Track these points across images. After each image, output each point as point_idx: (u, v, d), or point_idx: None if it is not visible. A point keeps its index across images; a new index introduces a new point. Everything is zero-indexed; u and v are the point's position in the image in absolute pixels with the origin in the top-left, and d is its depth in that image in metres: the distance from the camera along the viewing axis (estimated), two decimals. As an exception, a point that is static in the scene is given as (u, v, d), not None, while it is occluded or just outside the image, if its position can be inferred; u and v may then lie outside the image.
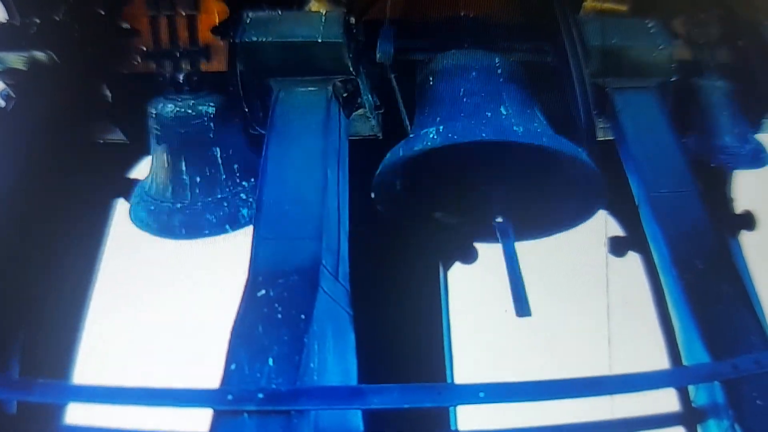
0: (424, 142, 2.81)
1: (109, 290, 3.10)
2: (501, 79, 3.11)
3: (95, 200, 3.36)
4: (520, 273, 2.66)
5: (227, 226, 2.99)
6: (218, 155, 3.13)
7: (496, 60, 3.15)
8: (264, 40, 3.04)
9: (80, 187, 3.21)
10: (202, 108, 3.14)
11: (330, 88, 3.00)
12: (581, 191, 2.97)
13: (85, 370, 2.97)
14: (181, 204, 3.06)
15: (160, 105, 3.16)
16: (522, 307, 2.57)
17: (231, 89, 3.09)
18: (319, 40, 3.02)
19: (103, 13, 3.35)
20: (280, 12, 3.11)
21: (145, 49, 3.35)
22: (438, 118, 2.96)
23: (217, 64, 3.29)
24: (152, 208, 3.20)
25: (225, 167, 3.13)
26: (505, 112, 2.96)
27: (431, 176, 3.02)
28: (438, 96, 3.10)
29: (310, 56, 3.02)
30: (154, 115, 3.16)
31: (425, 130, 2.89)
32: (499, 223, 2.85)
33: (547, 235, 3.06)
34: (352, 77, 3.05)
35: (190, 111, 3.13)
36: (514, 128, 2.86)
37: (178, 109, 3.13)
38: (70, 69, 3.23)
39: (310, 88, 2.99)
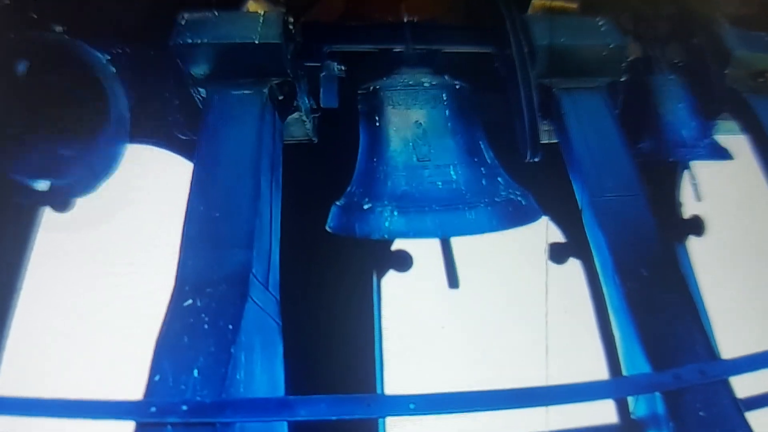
0: (380, 231, 2.88)
1: (27, 297, 3.15)
2: (447, 113, 3.16)
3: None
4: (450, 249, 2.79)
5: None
6: None
7: (443, 94, 3.17)
8: (199, 42, 3.04)
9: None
10: None
11: (266, 90, 3.00)
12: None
13: (1, 382, 3.01)
14: None
15: None
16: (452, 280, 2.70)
17: (165, 94, 3.18)
18: (257, 42, 3.03)
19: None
20: (216, 13, 3.11)
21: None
22: (389, 183, 3.00)
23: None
24: None
25: None
26: (454, 176, 3.01)
27: None
28: (385, 144, 3.14)
29: (247, 58, 3.03)
30: None
31: (380, 209, 2.92)
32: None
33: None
34: (289, 79, 3.06)
35: None
36: (467, 215, 2.91)
37: None
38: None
39: (245, 91, 2.99)
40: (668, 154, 3.58)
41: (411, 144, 3.06)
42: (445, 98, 3.16)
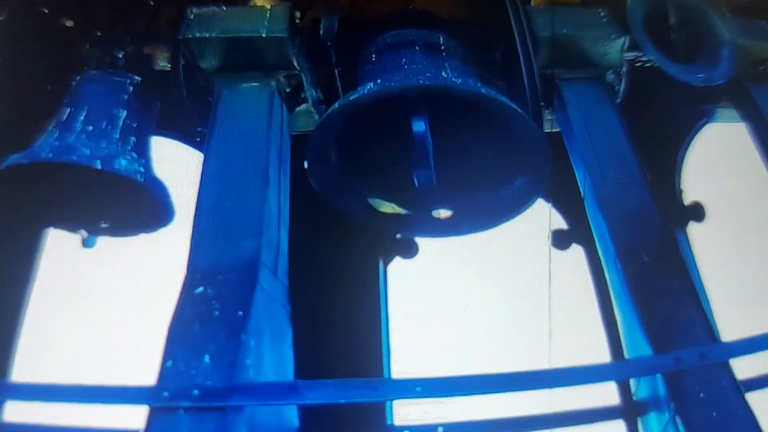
0: (361, 92, 2.75)
1: (45, 286, 3.19)
2: (444, 53, 3.13)
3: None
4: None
5: (98, 161, 2.93)
6: (122, 117, 3.15)
7: (440, 38, 3.17)
8: (207, 35, 3.09)
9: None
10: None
11: (273, 83, 3.07)
12: (526, 161, 2.89)
13: (21, 369, 3.02)
14: (61, 135, 3.02)
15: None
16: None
17: (174, 86, 3.19)
18: (264, 35, 3.09)
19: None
20: (224, 8, 3.17)
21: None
22: (378, 80, 2.90)
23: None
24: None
25: (122, 130, 3.12)
26: (446, 75, 2.92)
27: (368, 152, 3.01)
28: (379, 66, 3.10)
29: (254, 51, 3.10)
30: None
31: (363, 85, 2.84)
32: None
33: (492, 226, 3.01)
34: (296, 72, 3.12)
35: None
36: (454, 79, 2.84)
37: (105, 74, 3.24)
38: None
39: (253, 84, 3.06)
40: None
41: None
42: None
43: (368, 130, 2.89)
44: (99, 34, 3.38)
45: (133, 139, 3.08)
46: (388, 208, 2.91)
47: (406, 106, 2.76)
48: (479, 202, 2.95)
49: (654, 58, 3.33)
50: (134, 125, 3.13)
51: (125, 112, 3.14)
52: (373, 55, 3.18)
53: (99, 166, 2.92)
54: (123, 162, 2.98)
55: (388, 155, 2.92)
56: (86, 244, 3.14)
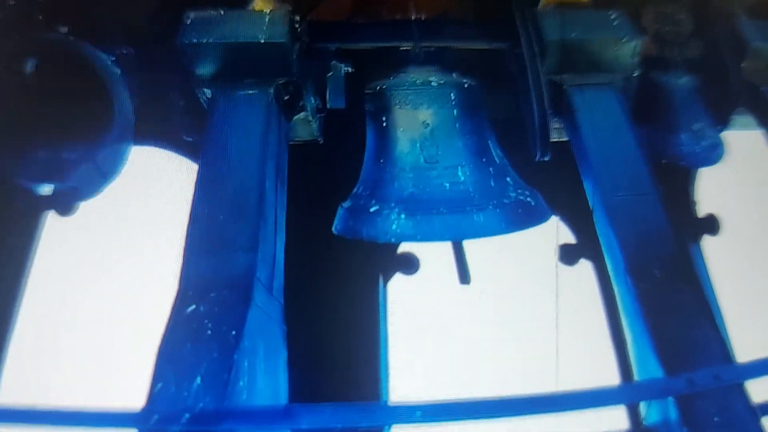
0: (387, 234, 2.84)
1: (30, 303, 3.13)
2: (455, 112, 3.11)
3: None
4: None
5: None
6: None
7: (451, 94, 3.11)
8: (204, 41, 2.99)
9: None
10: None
11: (271, 90, 2.96)
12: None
13: (4, 391, 2.99)
14: None
15: None
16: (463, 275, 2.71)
17: (171, 95, 3.12)
18: (262, 41, 2.98)
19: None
20: (222, 12, 3.06)
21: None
22: (396, 184, 2.96)
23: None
24: None
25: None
26: (462, 177, 2.96)
27: None
28: (392, 145, 3.09)
29: (252, 58, 2.99)
30: None
31: (387, 212, 2.88)
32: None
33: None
34: (295, 79, 3.02)
35: None
36: (475, 218, 2.86)
37: None
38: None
39: (250, 91, 2.95)
40: (663, 154, 3.48)
41: (418, 145, 3.02)
42: (453, 98, 3.11)
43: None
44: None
45: None
46: None
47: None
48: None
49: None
50: None
51: None
52: (383, 118, 3.13)
53: None
54: None
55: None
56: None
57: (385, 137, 3.12)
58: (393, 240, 2.87)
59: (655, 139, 3.46)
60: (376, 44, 3.23)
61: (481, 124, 3.14)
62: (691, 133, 3.47)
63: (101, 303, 3.57)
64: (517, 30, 3.11)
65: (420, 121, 3.06)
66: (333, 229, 3.04)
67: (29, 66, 3.04)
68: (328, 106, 3.11)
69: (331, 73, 3.08)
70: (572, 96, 3.15)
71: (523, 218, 2.91)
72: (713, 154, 3.50)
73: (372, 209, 2.92)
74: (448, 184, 2.95)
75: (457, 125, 3.09)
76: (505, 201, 2.93)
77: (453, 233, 2.86)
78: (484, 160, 3.06)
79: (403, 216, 2.84)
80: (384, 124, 3.14)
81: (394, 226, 2.83)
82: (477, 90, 3.18)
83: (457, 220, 2.84)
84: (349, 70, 3.09)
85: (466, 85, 3.15)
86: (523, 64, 3.07)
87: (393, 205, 2.89)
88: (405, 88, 3.12)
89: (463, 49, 3.26)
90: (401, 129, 3.10)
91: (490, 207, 2.89)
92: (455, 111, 3.11)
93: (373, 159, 3.14)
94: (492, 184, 2.99)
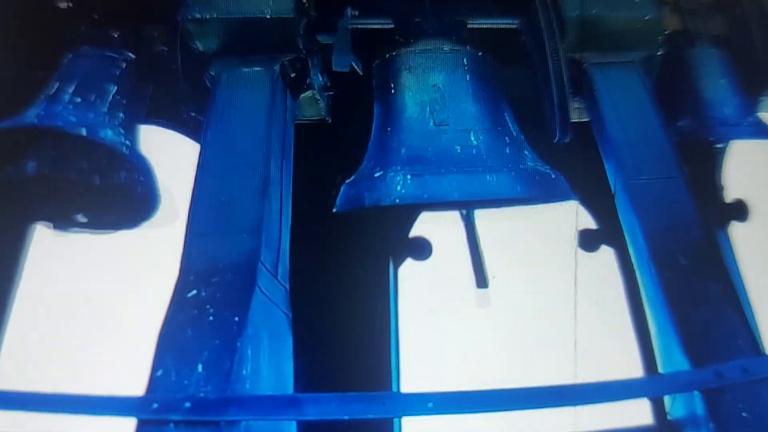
0: (391, 196, 2.66)
1: (29, 288, 3.10)
2: (468, 77, 3.00)
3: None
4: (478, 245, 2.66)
5: (83, 129, 2.91)
6: (112, 92, 3.09)
7: (464, 59, 3.02)
8: (208, 16, 2.96)
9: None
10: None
11: (277, 68, 2.93)
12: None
13: (1, 376, 2.98)
14: (48, 105, 3.00)
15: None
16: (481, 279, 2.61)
17: (171, 70, 3.08)
18: (268, 16, 2.96)
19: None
20: (227, -15, 3.10)
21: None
22: (403, 150, 2.83)
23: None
24: None
25: (111, 103, 3.07)
26: (475, 142, 2.82)
27: None
28: (400, 111, 2.97)
29: (258, 33, 2.96)
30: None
31: (392, 174, 2.74)
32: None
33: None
34: (302, 56, 2.99)
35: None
36: (488, 178, 2.71)
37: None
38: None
39: (254, 68, 2.92)
40: (708, 134, 3.42)
41: (428, 109, 2.88)
42: (465, 63, 3.02)
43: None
44: (96, 16, 3.31)
45: (121, 115, 3.03)
46: None
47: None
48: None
49: None
50: (124, 102, 3.07)
51: (115, 88, 3.08)
52: (391, 85, 3.01)
53: (84, 133, 2.89)
54: (109, 132, 2.95)
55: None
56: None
57: (393, 104, 3.01)
58: (398, 202, 2.66)
59: (696, 121, 3.40)
60: (385, 23, 3.20)
61: (496, 95, 3.03)
62: (733, 106, 3.40)
63: (101, 287, 3.57)
64: (536, 5, 3.08)
65: (430, 84, 2.96)
66: (335, 207, 2.88)
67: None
68: (333, 69, 2.99)
69: (338, 33, 2.97)
70: (593, 75, 3.12)
71: (541, 188, 2.76)
72: (762, 126, 3.44)
73: (376, 175, 2.80)
74: (459, 147, 2.80)
75: (471, 91, 2.98)
76: (521, 167, 2.81)
77: (463, 193, 2.68)
78: (499, 128, 2.94)
79: (409, 177, 2.69)
80: (392, 91, 3.03)
81: (399, 187, 2.67)
82: (491, 61, 3.10)
83: (468, 180, 2.69)
84: (356, 13, 3.00)
85: (479, 54, 3.06)
86: (541, 41, 3.03)
87: (399, 168, 2.75)
88: (415, 52, 3.03)
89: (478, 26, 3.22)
90: (410, 93, 2.98)
91: (504, 170, 2.76)
92: (468, 76, 3.01)
93: (379, 129, 3.03)
94: (507, 151, 2.87)
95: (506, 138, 2.92)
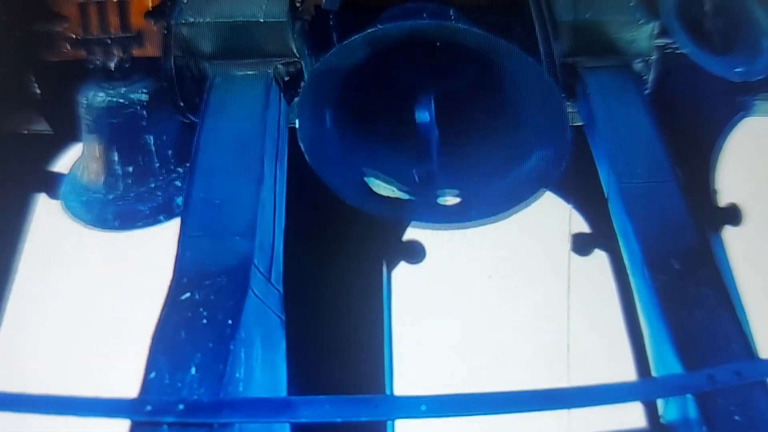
0: (356, 36, 2.60)
1: (21, 289, 3.12)
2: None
3: (14, 195, 3.36)
4: None
5: (161, 217, 3.03)
6: (151, 143, 3.16)
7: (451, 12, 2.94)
8: (201, 20, 2.99)
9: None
10: (134, 96, 3.17)
11: (271, 71, 2.97)
12: (541, 129, 2.81)
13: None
14: (114, 195, 3.10)
15: (91, 94, 3.18)
16: None
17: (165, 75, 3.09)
18: (262, 20, 2.98)
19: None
20: (219, -12, 3.12)
21: (74, 35, 3.32)
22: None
23: (151, 49, 3.24)
24: (84, 198, 3.22)
25: (158, 155, 3.16)
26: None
27: (368, 122, 2.89)
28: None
29: (251, 37, 2.99)
30: (84, 105, 3.19)
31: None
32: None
33: (505, 209, 2.89)
34: (296, 59, 3.02)
35: (121, 100, 3.16)
36: (459, 25, 2.71)
37: (109, 98, 3.16)
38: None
39: (248, 72, 2.96)
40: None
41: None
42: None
43: (369, 96, 2.77)
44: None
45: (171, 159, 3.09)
46: (386, 190, 2.77)
47: (412, 73, 2.63)
48: (490, 183, 2.83)
49: (687, 49, 3.18)
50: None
51: (151, 137, 3.14)
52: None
53: (164, 221, 3.05)
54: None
55: (391, 128, 2.80)
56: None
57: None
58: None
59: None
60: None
61: None
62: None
63: (94, 290, 3.58)
64: (529, 9, 3.11)
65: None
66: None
67: None
68: (322, 7, 3.03)
69: None
70: (586, 79, 3.14)
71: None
72: None
73: None
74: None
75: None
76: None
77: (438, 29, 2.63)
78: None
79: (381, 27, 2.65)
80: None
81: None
82: None
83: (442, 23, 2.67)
84: None
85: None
86: (535, 45, 3.07)
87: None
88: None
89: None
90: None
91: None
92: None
93: None
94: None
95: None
